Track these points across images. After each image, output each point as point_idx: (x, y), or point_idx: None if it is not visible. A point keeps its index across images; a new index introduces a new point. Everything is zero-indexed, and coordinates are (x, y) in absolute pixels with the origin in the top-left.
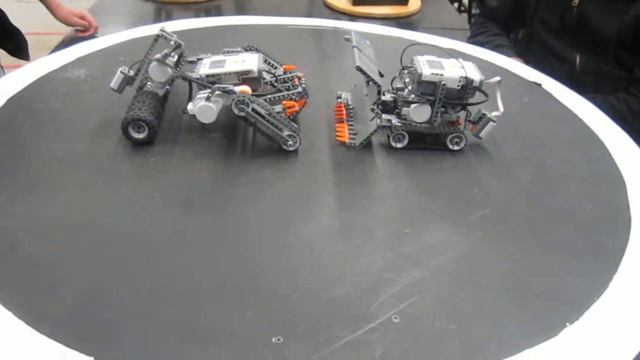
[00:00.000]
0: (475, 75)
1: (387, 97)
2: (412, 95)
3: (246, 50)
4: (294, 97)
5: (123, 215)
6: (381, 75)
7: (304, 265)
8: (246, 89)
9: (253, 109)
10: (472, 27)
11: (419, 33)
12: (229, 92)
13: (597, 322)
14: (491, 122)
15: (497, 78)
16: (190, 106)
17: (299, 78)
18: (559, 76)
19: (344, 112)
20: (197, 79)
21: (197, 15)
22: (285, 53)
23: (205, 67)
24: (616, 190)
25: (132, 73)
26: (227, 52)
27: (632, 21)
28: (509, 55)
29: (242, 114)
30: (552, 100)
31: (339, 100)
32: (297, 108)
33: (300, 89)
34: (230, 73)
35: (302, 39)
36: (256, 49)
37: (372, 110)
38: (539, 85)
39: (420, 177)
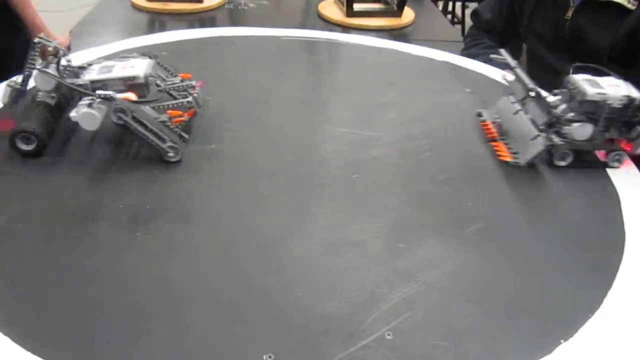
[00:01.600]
0: (636, 93)
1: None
2: (571, 114)
3: (141, 57)
4: (181, 106)
5: (108, 228)
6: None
7: (296, 280)
8: (130, 95)
9: (133, 117)
10: (465, 40)
11: (413, 45)
12: (109, 99)
13: (592, 338)
14: None
15: None
16: (73, 113)
17: (194, 87)
18: (552, 89)
19: (494, 130)
20: (80, 85)
21: (191, 25)
22: (278, 64)
23: (92, 73)
24: (610, 205)
25: (18, 85)
26: (121, 57)
27: (624, 35)
28: (503, 68)
29: (121, 122)
30: None
31: (482, 118)
32: (184, 118)
33: (190, 99)
34: (115, 79)
35: (295, 51)
36: (153, 55)
37: (541, 129)
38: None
39: (417, 190)
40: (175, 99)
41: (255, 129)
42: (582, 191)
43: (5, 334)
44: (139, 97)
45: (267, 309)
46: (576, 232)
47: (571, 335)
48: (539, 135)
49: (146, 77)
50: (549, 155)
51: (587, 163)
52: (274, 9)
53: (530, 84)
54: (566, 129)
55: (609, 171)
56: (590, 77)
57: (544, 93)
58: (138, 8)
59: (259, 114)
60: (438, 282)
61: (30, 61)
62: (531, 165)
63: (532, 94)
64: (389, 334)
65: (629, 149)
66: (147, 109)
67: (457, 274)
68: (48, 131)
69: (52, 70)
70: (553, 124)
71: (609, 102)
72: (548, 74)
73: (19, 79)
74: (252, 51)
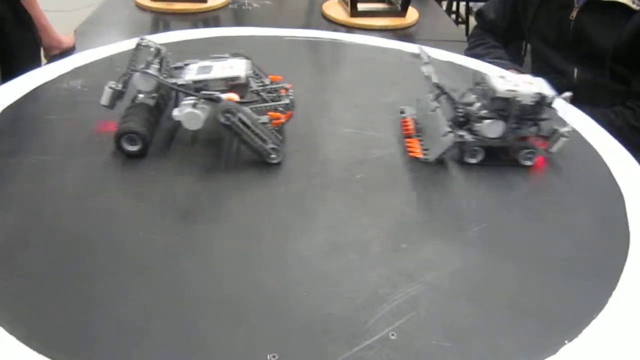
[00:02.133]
0: (549, 91)
1: (459, 112)
2: (484, 111)
3: (234, 57)
4: (280, 108)
5: (116, 228)
6: (453, 91)
7: (299, 280)
8: (233, 96)
9: (239, 119)
10: (469, 39)
11: (417, 45)
12: (216, 100)
13: (596, 339)
14: (563, 138)
15: (569, 94)
16: (176, 112)
17: (287, 89)
18: (556, 89)
19: (412, 126)
20: (182, 85)
21: (195, 25)
22: (282, 64)
23: (192, 73)
24: (614, 205)
25: (120, 87)
26: (215, 57)
27: (628, 35)
28: (507, 68)
29: (228, 122)
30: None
31: (403, 115)
32: (283, 120)
33: (287, 101)
34: (217, 79)
35: (299, 51)
36: (245, 55)
37: (449, 125)
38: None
39: (417, 190)
40: (265, 100)
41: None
42: (586, 190)
43: (10, 332)
44: (239, 97)
45: (271, 309)
46: (579, 231)
47: (575, 336)
48: (449, 132)
49: (247, 77)
50: (460, 152)
51: (500, 161)
52: (277, 9)
53: (435, 80)
54: (477, 126)
55: (613, 170)
56: (505, 74)
57: (452, 91)
58: (142, 8)
59: None
60: (441, 282)
61: (131, 63)
62: (441, 162)
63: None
64: (392, 334)
65: (544, 146)
66: (247, 110)
67: (460, 274)
68: (151, 132)
69: (152, 71)
70: (466, 122)
71: (518, 99)
72: (552, 74)
73: (119, 81)
74: (255, 51)
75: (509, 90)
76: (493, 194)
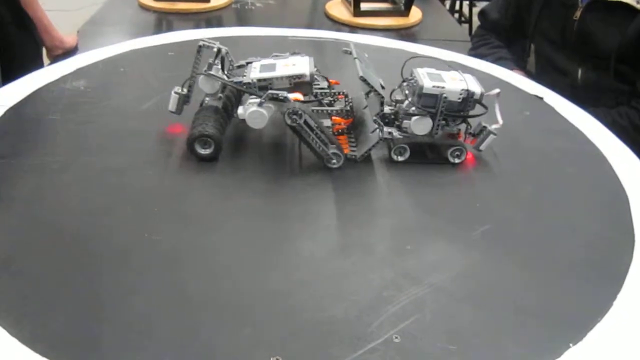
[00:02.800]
0: (476, 87)
1: (387, 109)
2: (413, 108)
3: (293, 55)
4: (341, 112)
5: (119, 229)
6: (382, 87)
7: (303, 282)
8: (299, 96)
9: (304, 121)
10: (473, 39)
11: (420, 45)
12: (283, 100)
13: (601, 342)
14: (491, 135)
15: (497, 90)
16: (240, 110)
17: (345, 95)
18: (560, 89)
19: (343, 124)
20: (248, 84)
21: (197, 25)
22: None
23: (255, 71)
24: (619, 206)
25: (185, 91)
26: (276, 55)
27: (633, 35)
28: (511, 68)
29: (294, 124)
30: (554, 114)
31: None
32: (344, 126)
33: (348, 108)
34: (282, 77)
35: (302, 51)
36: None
37: (375, 122)
38: (541, 98)
39: (420, 191)
40: (321, 104)
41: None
42: (590, 191)
43: (13, 335)
44: (303, 95)
45: (275, 311)
46: (584, 233)
47: (580, 339)
48: (376, 129)
49: (312, 75)
50: (389, 149)
51: (428, 159)
52: (281, 8)
53: (360, 74)
54: (406, 123)
55: (617, 171)
56: (434, 71)
57: (379, 87)
58: (145, 8)
59: None
60: (445, 284)
61: (194, 66)
62: (367, 159)
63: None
64: (396, 337)
65: (473, 144)
66: (312, 112)
67: (464, 276)
68: (223, 135)
69: (216, 72)
70: (395, 119)
71: (445, 95)
72: (556, 74)
73: (184, 85)
74: (258, 52)
75: (436, 87)
76: (496, 195)
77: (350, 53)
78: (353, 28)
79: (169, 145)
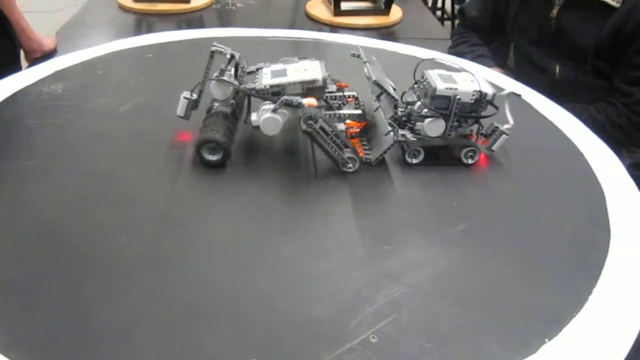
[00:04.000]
0: (488, 88)
1: (398, 111)
2: (425, 110)
3: (301, 59)
4: (356, 117)
5: (95, 235)
6: (394, 90)
7: (283, 284)
8: (313, 101)
9: (320, 126)
10: (452, 37)
11: (400, 44)
12: (297, 106)
13: (577, 337)
14: (504, 135)
15: (507, 91)
16: (254, 117)
17: (355, 98)
18: (539, 86)
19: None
20: (261, 90)
21: (178, 26)
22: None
23: (267, 77)
24: (595, 202)
25: (195, 96)
26: (284, 60)
27: (609, 32)
28: (490, 66)
29: (309, 129)
30: (532, 111)
31: None
32: (357, 129)
33: (360, 111)
34: (295, 83)
35: (283, 51)
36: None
37: (390, 124)
38: (519, 95)
39: (399, 191)
40: (330, 107)
41: (241, 130)
42: (567, 187)
43: None
44: (316, 99)
45: (253, 313)
46: (560, 229)
47: (556, 334)
48: (390, 132)
49: (324, 80)
50: (402, 152)
51: (442, 160)
52: (262, 8)
53: (373, 78)
54: (419, 125)
55: (594, 167)
56: (445, 73)
57: (392, 89)
58: (125, 9)
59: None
60: (423, 283)
61: (206, 71)
62: (381, 162)
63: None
64: (373, 337)
65: (485, 144)
66: (327, 117)
67: (442, 275)
68: (232, 140)
69: (228, 78)
70: (408, 121)
71: (458, 97)
72: (534, 71)
73: (194, 90)
74: (239, 52)
75: (449, 89)
76: (475, 193)
77: (359, 56)
78: (334, 27)
79: (149, 147)
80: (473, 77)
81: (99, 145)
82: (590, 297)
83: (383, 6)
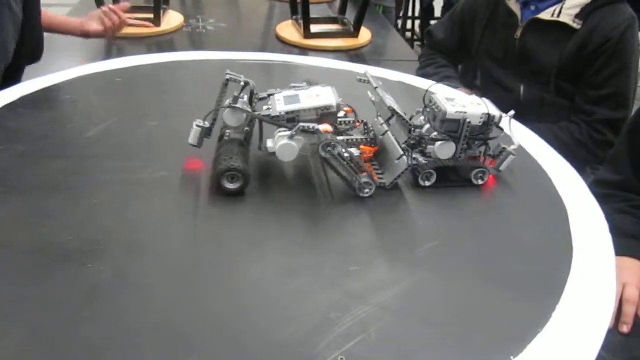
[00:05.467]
0: (495, 111)
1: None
2: (435, 133)
3: (310, 85)
4: (368, 142)
5: (59, 263)
6: (405, 114)
7: (250, 306)
8: (328, 128)
9: (338, 152)
10: (420, 59)
11: (369, 66)
12: (314, 133)
13: (541, 354)
14: (511, 156)
15: (512, 113)
16: (270, 144)
17: (365, 123)
18: (504, 106)
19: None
20: (276, 117)
21: (149, 50)
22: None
23: (281, 104)
24: (559, 220)
25: (207, 125)
26: (294, 86)
27: (571, 53)
28: (456, 87)
29: (328, 156)
30: None
31: None
32: (371, 154)
33: (372, 136)
34: (309, 109)
35: (252, 74)
36: (316, 83)
37: (404, 149)
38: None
39: (365, 212)
40: (340, 133)
41: (210, 154)
42: (531, 206)
43: None
44: (331, 125)
45: (220, 338)
46: (525, 247)
47: (521, 352)
48: (403, 156)
49: (338, 106)
50: (414, 175)
51: (453, 182)
52: (233, 31)
53: (389, 103)
54: (430, 148)
55: (557, 185)
56: (451, 96)
57: (403, 113)
58: None
59: (214, 138)
60: (391, 303)
61: (219, 99)
62: (395, 187)
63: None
64: (342, 358)
65: (493, 165)
66: (344, 143)
67: (409, 295)
68: (250, 168)
69: (241, 105)
70: (417, 144)
71: (468, 120)
72: (500, 91)
73: (206, 118)
74: (208, 75)
75: (459, 112)
76: (441, 213)
77: (368, 82)
78: (304, 50)
79: (114, 173)
80: (479, 100)
81: (62, 171)
82: (554, 314)
83: (352, 29)
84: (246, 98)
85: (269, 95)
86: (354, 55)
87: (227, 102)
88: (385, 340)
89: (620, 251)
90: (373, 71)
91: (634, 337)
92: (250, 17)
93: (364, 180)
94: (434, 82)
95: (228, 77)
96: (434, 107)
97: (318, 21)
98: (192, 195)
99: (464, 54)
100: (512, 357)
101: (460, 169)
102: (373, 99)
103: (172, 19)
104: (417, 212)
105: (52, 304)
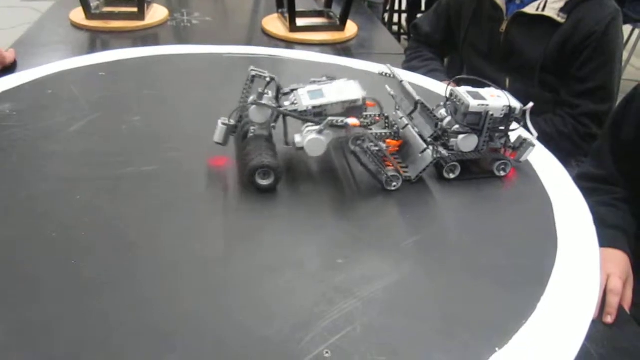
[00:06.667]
0: (515, 103)
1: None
2: (456, 126)
3: (330, 79)
4: (394, 135)
5: (39, 258)
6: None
7: (234, 303)
8: (356, 121)
9: (367, 146)
10: (406, 52)
11: (354, 59)
12: (343, 127)
13: (526, 345)
14: (531, 147)
15: (531, 104)
16: (297, 139)
17: (386, 117)
18: None
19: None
20: (303, 112)
21: (133, 44)
22: (219, 82)
23: (306, 99)
24: (543, 211)
25: (232, 122)
26: (314, 81)
27: (555, 46)
28: (442, 80)
29: (358, 149)
30: None
31: None
32: (397, 148)
33: (396, 129)
34: (336, 103)
35: (237, 68)
36: (334, 77)
37: (430, 142)
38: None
39: (350, 206)
40: (367, 127)
41: (194, 149)
42: (516, 198)
43: None
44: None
45: (203, 336)
46: (510, 239)
47: (506, 343)
48: (427, 149)
49: (364, 99)
50: (437, 168)
51: (475, 174)
52: (218, 25)
53: (416, 96)
54: (452, 141)
55: (542, 178)
56: (472, 89)
57: (430, 106)
58: (78, 26)
59: (199, 134)
60: (376, 296)
61: (243, 95)
62: (420, 180)
63: (419, 106)
64: (327, 352)
65: (513, 157)
66: (373, 137)
67: (394, 288)
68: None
69: (266, 101)
70: (439, 137)
71: (490, 112)
72: (485, 86)
73: (231, 116)
74: (193, 69)
75: (481, 105)
76: (426, 206)
77: (392, 76)
78: (289, 43)
79: (96, 168)
80: (499, 92)
81: (44, 167)
82: (539, 305)
83: (338, 22)
84: (271, 94)
85: (292, 91)
86: (340, 48)
87: (252, 98)
88: (370, 334)
89: (604, 242)
90: (359, 64)
91: (617, 327)
92: (235, 10)
93: (392, 173)
94: (422, 74)
95: (253, 73)
96: (455, 100)
97: (304, 14)
98: (177, 190)
99: (449, 47)
100: (497, 349)
101: (482, 161)
102: (392, 92)
103: (157, 13)
104: (398, 204)
105: (34, 300)
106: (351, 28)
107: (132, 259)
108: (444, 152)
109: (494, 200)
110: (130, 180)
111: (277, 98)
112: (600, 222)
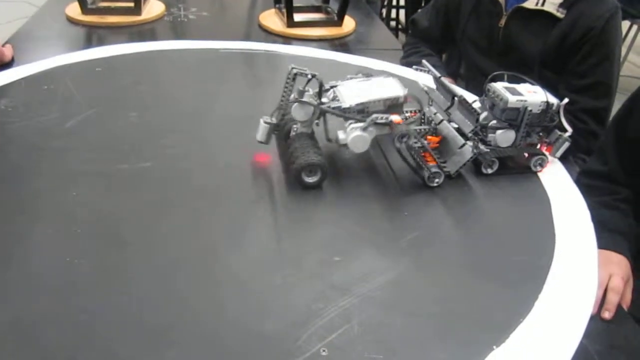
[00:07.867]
0: (552, 98)
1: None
2: (493, 121)
3: (366, 76)
4: (431, 131)
5: (38, 253)
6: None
7: (231, 299)
8: (398, 118)
9: (412, 143)
10: (404, 48)
11: (352, 55)
12: (388, 124)
13: (524, 343)
14: (566, 142)
15: (566, 100)
16: (341, 135)
17: (420, 112)
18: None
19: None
20: (347, 109)
21: (130, 39)
22: (216, 78)
23: (349, 96)
24: (541, 209)
25: (274, 120)
26: (350, 78)
27: (554, 42)
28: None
29: (402, 146)
30: None
31: None
32: (437, 144)
33: (434, 125)
34: (378, 100)
35: (234, 64)
36: (370, 74)
37: (471, 138)
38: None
39: (349, 202)
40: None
41: (191, 145)
42: (514, 196)
43: None
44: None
45: (201, 332)
46: (508, 237)
47: (503, 341)
48: (465, 144)
49: (405, 96)
50: (474, 163)
51: (511, 169)
52: (215, 20)
53: (458, 92)
54: (490, 136)
55: (540, 175)
56: (509, 85)
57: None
58: (74, 22)
59: (195, 129)
60: (373, 294)
61: (284, 93)
62: (459, 175)
63: (460, 102)
64: (323, 350)
65: (549, 152)
66: (416, 134)
67: (392, 285)
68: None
69: (308, 98)
70: (477, 132)
71: (529, 108)
72: (484, 79)
73: (273, 114)
74: (189, 65)
75: (519, 101)
76: (425, 203)
77: (428, 71)
78: (287, 39)
79: (92, 165)
80: (535, 88)
81: (41, 163)
82: (536, 303)
83: (336, 17)
84: (312, 91)
85: (331, 87)
86: (338, 44)
87: (293, 95)
88: (367, 332)
89: (606, 245)
90: (357, 60)
91: (614, 324)
92: (232, 5)
93: (434, 170)
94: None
95: (295, 71)
96: (493, 95)
97: (301, 10)
98: (173, 186)
99: (448, 42)
100: (494, 347)
101: (518, 157)
102: (426, 88)
103: (153, 8)
104: (396, 201)
105: (29, 297)
106: (349, 23)
107: (128, 255)
108: (482, 147)
109: (491, 197)
110: (126, 177)
111: (319, 95)
112: (603, 225)
